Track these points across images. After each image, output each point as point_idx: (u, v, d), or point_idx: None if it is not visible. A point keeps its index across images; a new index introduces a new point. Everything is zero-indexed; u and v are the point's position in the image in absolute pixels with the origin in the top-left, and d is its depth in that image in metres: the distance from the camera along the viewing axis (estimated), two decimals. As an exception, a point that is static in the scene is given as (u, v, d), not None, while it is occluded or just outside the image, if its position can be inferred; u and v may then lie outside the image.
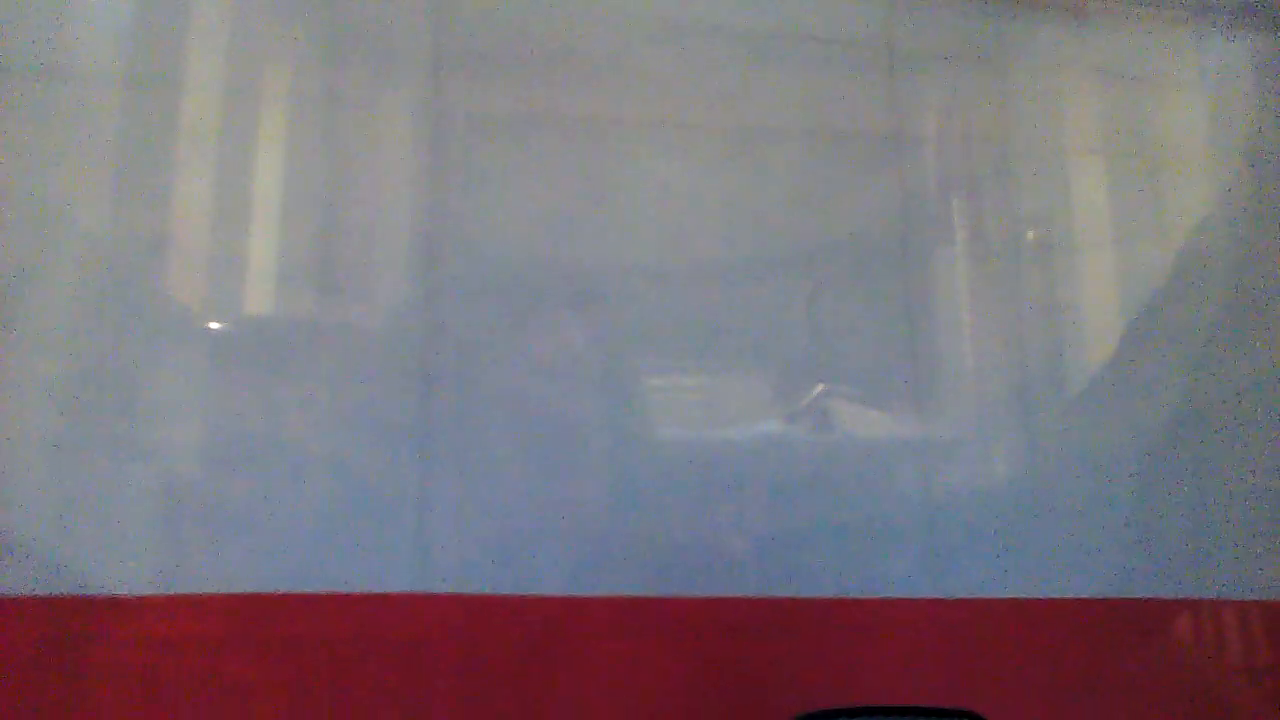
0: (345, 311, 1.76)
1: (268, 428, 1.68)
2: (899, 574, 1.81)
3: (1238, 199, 2.11)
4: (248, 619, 1.59)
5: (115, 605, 1.56)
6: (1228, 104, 2.17)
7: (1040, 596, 1.83)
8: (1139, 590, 1.88)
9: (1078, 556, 1.88)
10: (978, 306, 2.01)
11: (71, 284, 1.65)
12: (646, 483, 1.77)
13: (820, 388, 1.88)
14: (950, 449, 1.91)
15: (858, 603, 1.77)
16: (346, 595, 1.62)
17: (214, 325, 1.72)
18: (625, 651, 1.68)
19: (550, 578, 1.70)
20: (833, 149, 2.00)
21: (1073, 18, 2.15)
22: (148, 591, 1.58)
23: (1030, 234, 2.05)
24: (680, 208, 1.89)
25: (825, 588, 1.77)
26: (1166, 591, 1.89)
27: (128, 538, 1.60)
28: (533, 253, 1.83)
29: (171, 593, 1.58)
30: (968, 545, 1.84)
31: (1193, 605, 1.90)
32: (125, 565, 1.59)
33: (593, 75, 1.91)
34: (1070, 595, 1.85)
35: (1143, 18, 2.17)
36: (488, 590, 1.66)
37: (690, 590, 1.72)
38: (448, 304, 1.77)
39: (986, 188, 2.06)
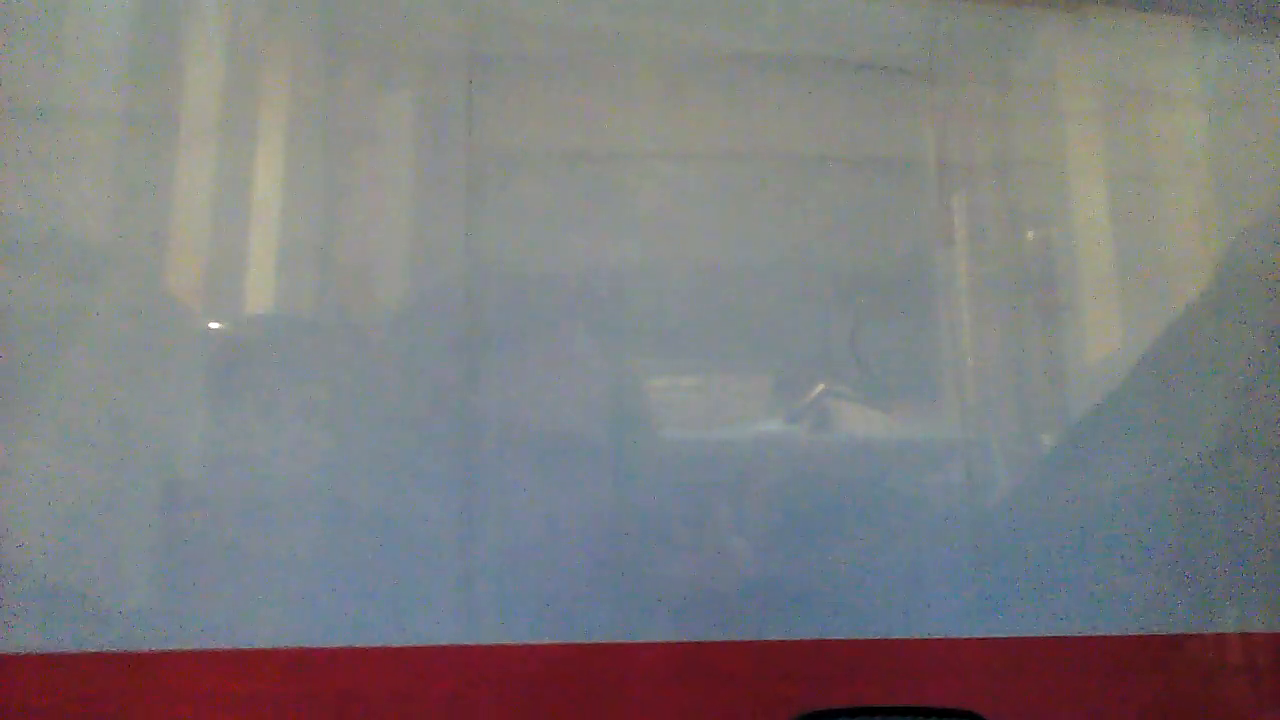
0: (382, 355, 1.73)
1: (305, 475, 1.65)
2: (944, 614, 1.80)
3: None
4: (287, 675, 1.58)
5: (153, 661, 1.54)
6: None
7: (1083, 634, 1.82)
8: (1180, 626, 1.88)
9: (1119, 591, 1.88)
10: (1020, 337, 1.99)
11: (107, 331, 1.62)
12: (698, 523, 1.76)
13: (864, 421, 1.87)
14: (993, 481, 1.90)
15: (903, 644, 1.77)
16: (390, 649, 1.61)
17: (248, 371, 1.68)
18: (676, 699, 1.67)
19: (598, 623, 1.68)
20: (874, 176, 1.96)
21: (1116, 40, 2.11)
22: (186, 647, 1.56)
23: (1077, 261, 2.02)
24: (725, 241, 1.87)
25: (873, 628, 1.76)
26: (1209, 626, 1.89)
27: (166, 592, 1.58)
28: (572, 290, 1.80)
29: (209, 648, 1.57)
30: (1014, 581, 1.82)
31: (1236, 640, 1.90)
32: (162, 620, 1.57)
33: (634, 107, 1.88)
34: (1111, 633, 1.85)
35: (1195, 38, 2.13)
36: (534, 640, 1.65)
37: (746, 634, 1.71)
38: (487, 345, 1.74)
39: (1030, 213, 2.03)
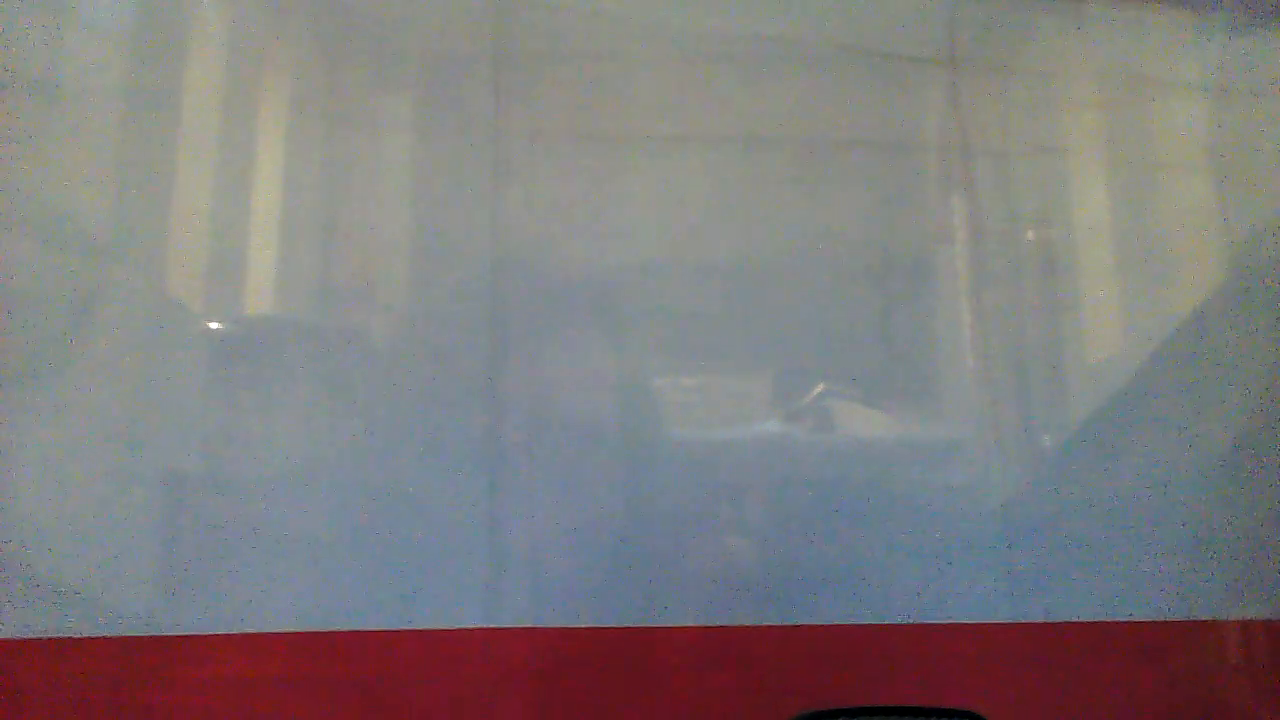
0: (408, 336, 1.70)
1: (330, 458, 1.62)
2: (974, 599, 1.78)
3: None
4: (313, 658, 1.54)
5: (176, 645, 1.51)
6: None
7: (1115, 619, 1.81)
8: (1203, 612, 1.87)
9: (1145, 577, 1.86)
10: (1041, 324, 1.98)
11: (126, 315, 1.59)
12: (723, 508, 1.74)
13: (890, 409, 1.86)
14: (1021, 469, 1.88)
15: (931, 628, 1.75)
16: (414, 631, 1.58)
17: (271, 354, 1.65)
18: (703, 684, 1.64)
19: (625, 607, 1.65)
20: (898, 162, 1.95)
21: (1132, 29, 2.11)
22: (210, 630, 1.53)
23: (1097, 250, 2.02)
24: (749, 224, 1.85)
25: (902, 613, 1.74)
26: (1232, 613, 1.88)
27: (189, 575, 1.55)
28: (600, 272, 1.78)
29: (234, 631, 1.53)
30: (1043, 568, 1.81)
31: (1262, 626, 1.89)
32: (187, 603, 1.53)
33: (656, 93, 1.86)
34: (1137, 618, 1.83)
35: (1183, 25, 2.14)
36: (562, 624, 1.62)
37: (771, 619, 1.69)
38: (514, 326, 1.71)
39: (1051, 201, 2.02)
